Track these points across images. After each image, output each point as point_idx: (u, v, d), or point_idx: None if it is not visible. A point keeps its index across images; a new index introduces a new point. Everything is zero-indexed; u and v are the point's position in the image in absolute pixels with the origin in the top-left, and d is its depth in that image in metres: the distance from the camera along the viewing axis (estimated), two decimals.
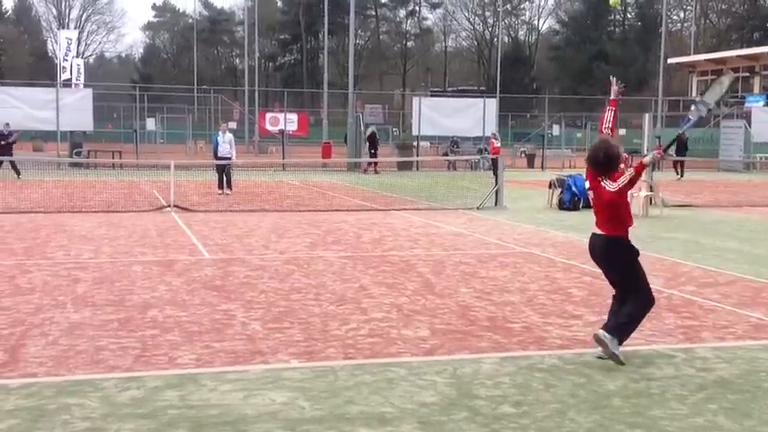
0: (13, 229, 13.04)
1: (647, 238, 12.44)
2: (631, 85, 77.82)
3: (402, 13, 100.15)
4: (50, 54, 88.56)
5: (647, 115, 24.35)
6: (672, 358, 6.19)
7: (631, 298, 6.10)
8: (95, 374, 5.54)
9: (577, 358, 6.13)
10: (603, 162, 6.00)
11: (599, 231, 6.12)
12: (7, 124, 25.81)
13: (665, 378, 5.68)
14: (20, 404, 4.92)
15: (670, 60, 60.99)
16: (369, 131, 34.58)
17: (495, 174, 18.84)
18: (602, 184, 6.01)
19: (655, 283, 8.94)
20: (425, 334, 6.79)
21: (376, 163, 32.14)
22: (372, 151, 33.35)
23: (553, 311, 7.66)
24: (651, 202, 17.33)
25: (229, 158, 20.69)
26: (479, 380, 5.57)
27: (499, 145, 32.30)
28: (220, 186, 20.36)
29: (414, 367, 5.83)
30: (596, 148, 6.11)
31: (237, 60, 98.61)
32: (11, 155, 25.18)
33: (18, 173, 24.62)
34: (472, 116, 36.03)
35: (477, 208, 17.52)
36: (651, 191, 17.62)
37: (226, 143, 20.75)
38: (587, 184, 6.27)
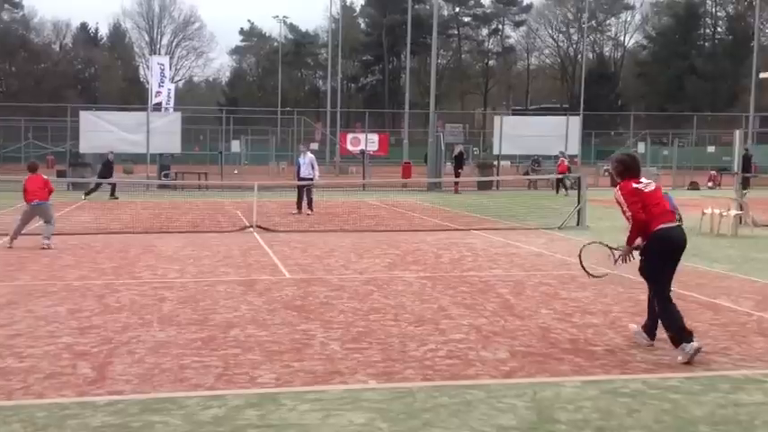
0: (104, 249, 13.49)
1: (737, 259, 12.02)
2: (722, 100, 75.87)
3: (485, 31, 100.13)
4: (142, 79, 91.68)
5: (737, 132, 23.61)
6: (761, 384, 5.95)
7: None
8: (179, 392, 5.67)
9: (662, 383, 5.96)
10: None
11: (675, 222, 6.82)
12: (111, 153, 27.21)
13: (754, 404, 5.47)
14: (106, 421, 5.07)
15: (762, 75, 59.09)
16: (457, 150, 34.61)
17: (578, 192, 18.53)
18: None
19: (744, 306, 8.66)
20: (505, 356, 6.71)
21: (457, 182, 32.09)
22: (459, 171, 33.32)
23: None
24: (741, 222, 16.76)
25: (311, 179, 20.96)
26: (560, 404, 5.47)
27: (567, 163, 32.03)
28: (299, 207, 20.64)
29: (492, 390, 5.77)
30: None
31: (320, 82, 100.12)
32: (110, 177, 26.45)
33: (115, 196, 25.80)
34: (555, 134, 35.62)
35: (559, 228, 17.28)
36: (741, 210, 17.05)
37: (307, 164, 21.04)
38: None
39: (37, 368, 6.22)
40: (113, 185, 26.28)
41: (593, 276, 7.42)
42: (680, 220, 7.38)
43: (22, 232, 13.82)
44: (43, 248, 13.21)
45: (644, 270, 6.86)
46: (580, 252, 7.44)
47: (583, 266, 7.33)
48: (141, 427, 4.95)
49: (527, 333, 7.54)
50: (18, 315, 8.14)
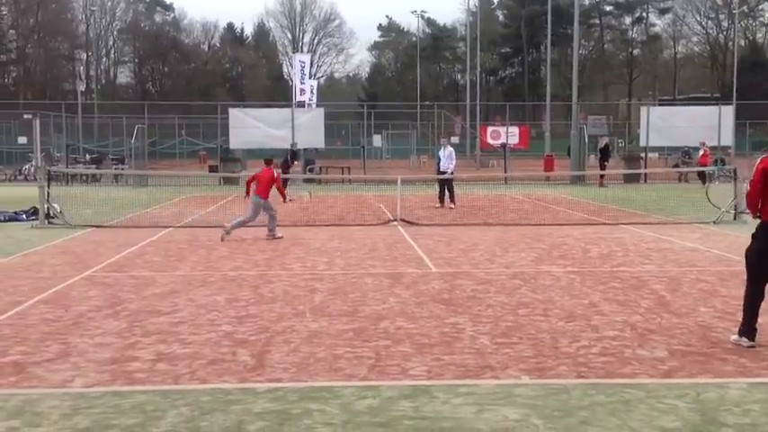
0: (255, 241, 13.97)
1: None
2: None
3: (628, 20, 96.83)
4: (285, 76, 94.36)
5: None
6: None
7: None
8: (334, 382, 5.79)
9: None
10: None
11: None
12: (294, 143, 28.22)
13: None
14: (267, 407, 5.24)
15: None
16: (602, 143, 33.77)
17: (734, 185, 17.63)
18: None
19: None
20: (663, 355, 6.48)
21: (602, 176, 31.27)
22: (605, 163, 32.49)
23: None
24: None
25: (446, 172, 20.89)
26: (726, 406, 5.22)
27: (709, 154, 30.66)
28: (441, 200, 20.66)
29: (651, 390, 5.58)
30: None
31: (459, 75, 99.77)
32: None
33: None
34: (706, 125, 34.05)
35: (714, 222, 16.50)
36: None
37: (447, 157, 21.02)
38: None
39: (200, 354, 6.51)
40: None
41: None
42: None
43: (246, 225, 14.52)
44: (269, 239, 14.05)
45: (746, 254, 6.96)
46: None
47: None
48: (301, 415, 5.09)
49: (686, 331, 7.25)
50: (181, 303, 8.56)
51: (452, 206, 20.26)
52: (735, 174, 18.09)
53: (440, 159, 21.34)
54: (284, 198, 16.65)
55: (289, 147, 30.15)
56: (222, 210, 20.32)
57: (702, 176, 30.26)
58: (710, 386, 5.66)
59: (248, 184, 14.91)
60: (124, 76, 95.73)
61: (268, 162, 15.20)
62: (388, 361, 6.33)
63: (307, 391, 5.58)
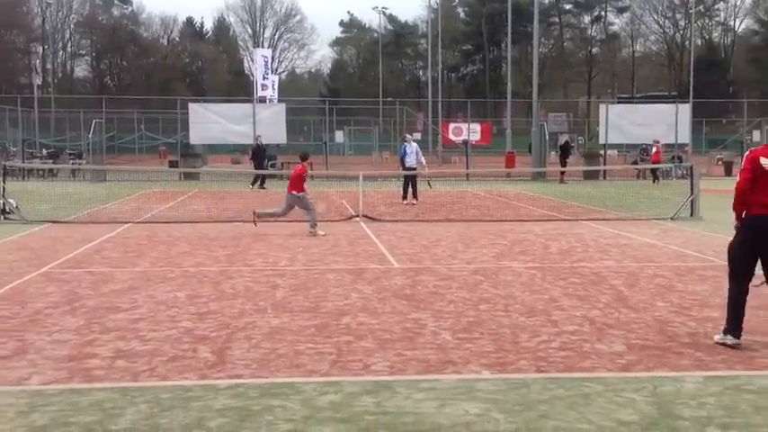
0: (217, 237, 13.88)
1: None
2: None
3: (587, 18, 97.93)
4: (246, 71, 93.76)
5: None
6: None
7: None
8: (296, 378, 5.77)
9: None
10: None
11: None
12: (259, 136, 28.50)
13: None
14: (228, 404, 5.21)
15: None
16: (563, 140, 34.10)
17: (691, 182, 17.94)
18: None
19: None
20: (621, 349, 6.56)
21: (563, 172, 31.61)
22: (565, 160, 32.83)
23: (759, 329, 7.18)
24: None
25: (415, 168, 20.98)
26: (682, 399, 5.30)
27: (661, 151, 31.32)
28: (404, 197, 20.72)
29: (610, 383, 5.65)
30: None
31: (421, 72, 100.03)
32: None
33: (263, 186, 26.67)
34: (663, 123, 34.57)
35: (671, 218, 16.76)
36: None
37: (412, 153, 21.06)
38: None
39: (160, 351, 6.45)
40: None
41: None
42: None
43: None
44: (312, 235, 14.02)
45: (729, 249, 6.80)
46: None
47: None
48: (262, 411, 5.07)
49: (643, 326, 7.35)
50: (140, 300, 8.47)
51: (414, 202, 20.33)
52: (691, 171, 18.39)
53: (404, 155, 21.34)
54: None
55: (254, 142, 29.94)
56: (182, 205, 20.15)
57: (654, 174, 30.84)
58: (667, 380, 5.74)
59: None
60: (81, 69, 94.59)
61: (303, 157, 15.17)
62: (350, 357, 6.33)
63: (268, 387, 5.56)
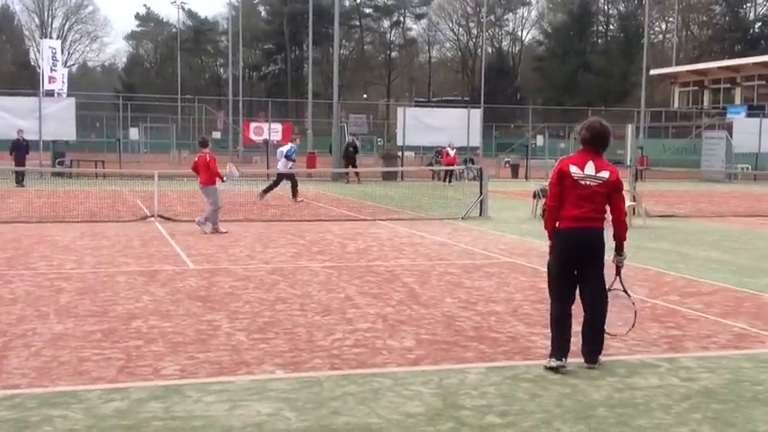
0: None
1: (632, 248, 12.45)
2: (614, 95, 78.46)
3: (386, 23, 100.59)
4: (33, 63, 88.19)
5: (629, 126, 24.48)
6: (656, 368, 6.21)
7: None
8: (79, 386, 5.50)
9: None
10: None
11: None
12: (21, 131, 26.91)
13: (650, 388, 5.70)
14: (2, 416, 4.87)
15: (652, 72, 61.49)
16: (347, 141, 34.84)
17: (480, 184, 18.87)
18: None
19: (638, 293, 9.00)
20: (411, 344, 6.78)
21: (357, 173, 32.23)
22: (349, 165, 33.43)
23: (538, 321, 7.66)
24: (634, 213, 17.42)
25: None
26: (465, 390, 5.57)
27: (453, 155, 32.99)
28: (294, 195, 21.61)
29: (399, 377, 5.82)
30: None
31: (222, 70, 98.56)
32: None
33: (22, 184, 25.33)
34: (457, 126, 36.13)
35: (462, 218, 17.55)
36: (634, 201, 17.71)
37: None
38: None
39: None
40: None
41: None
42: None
43: None
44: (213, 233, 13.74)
45: (548, 269, 6.40)
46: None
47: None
48: (40, 422, 4.78)
49: (432, 321, 7.64)
50: None
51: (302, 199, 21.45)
52: (481, 173, 19.34)
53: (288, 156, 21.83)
54: (221, 178, 14.93)
55: (17, 136, 27.97)
56: None
57: (448, 175, 32.21)
58: (452, 372, 6.00)
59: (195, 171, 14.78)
60: None
61: (203, 143, 14.82)
62: (139, 362, 6.11)
63: (47, 396, 5.26)
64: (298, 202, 21.35)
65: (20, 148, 27.01)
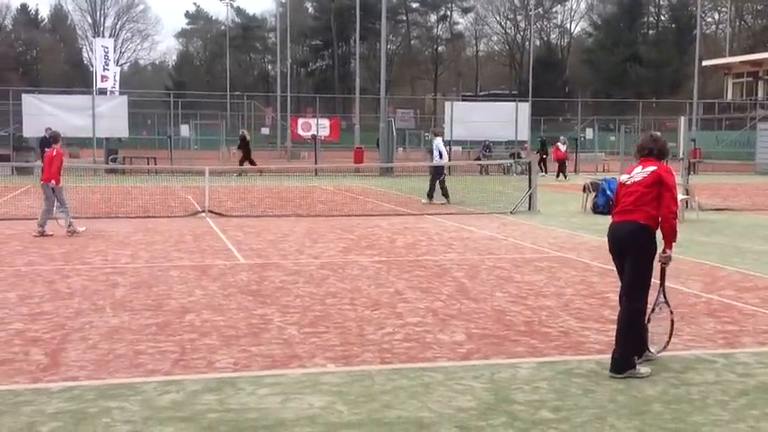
0: (52, 234, 13.21)
1: (685, 242, 12.28)
2: (666, 87, 77.27)
3: (433, 17, 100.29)
4: (86, 62, 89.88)
5: (682, 118, 24.07)
6: (712, 363, 6.11)
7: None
8: (135, 378, 5.60)
9: None
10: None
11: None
12: (48, 128, 26.69)
13: (706, 383, 5.61)
14: (62, 407, 4.98)
15: (705, 62, 60.31)
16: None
17: (529, 178, 18.73)
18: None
19: (693, 288, 8.86)
20: (461, 338, 6.77)
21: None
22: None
23: (590, 316, 7.60)
24: (687, 206, 17.13)
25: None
26: (517, 385, 5.54)
27: (564, 150, 32.46)
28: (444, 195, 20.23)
29: (450, 372, 5.82)
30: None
31: (270, 66, 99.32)
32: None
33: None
34: (505, 120, 35.89)
35: (511, 212, 17.44)
36: (687, 194, 17.41)
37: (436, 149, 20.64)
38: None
39: None
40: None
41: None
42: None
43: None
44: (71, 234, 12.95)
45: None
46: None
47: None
48: (98, 413, 4.88)
49: (483, 316, 7.61)
50: None
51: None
52: (530, 167, 19.20)
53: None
54: (57, 181, 13.24)
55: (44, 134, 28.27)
56: (13, 202, 19.08)
57: (561, 170, 31.93)
58: (503, 366, 5.98)
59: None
60: None
61: (54, 138, 13.57)
62: (194, 354, 6.20)
63: (105, 388, 5.36)
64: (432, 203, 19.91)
65: (45, 145, 27.27)
